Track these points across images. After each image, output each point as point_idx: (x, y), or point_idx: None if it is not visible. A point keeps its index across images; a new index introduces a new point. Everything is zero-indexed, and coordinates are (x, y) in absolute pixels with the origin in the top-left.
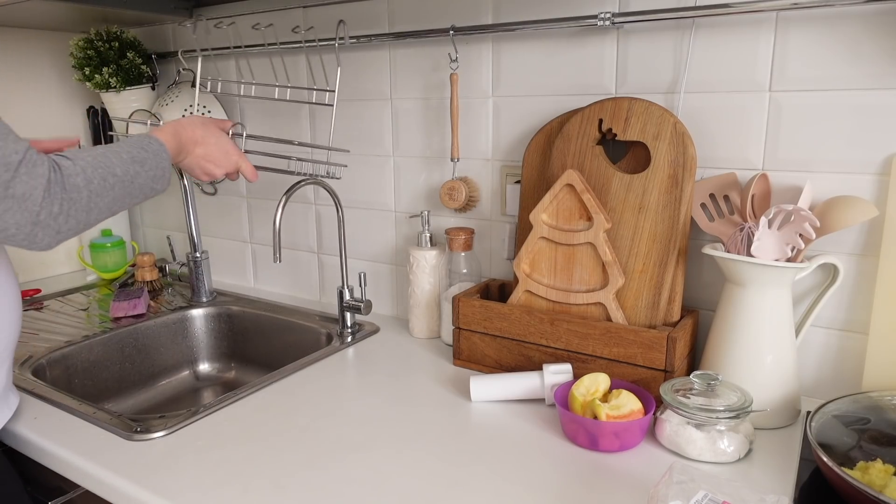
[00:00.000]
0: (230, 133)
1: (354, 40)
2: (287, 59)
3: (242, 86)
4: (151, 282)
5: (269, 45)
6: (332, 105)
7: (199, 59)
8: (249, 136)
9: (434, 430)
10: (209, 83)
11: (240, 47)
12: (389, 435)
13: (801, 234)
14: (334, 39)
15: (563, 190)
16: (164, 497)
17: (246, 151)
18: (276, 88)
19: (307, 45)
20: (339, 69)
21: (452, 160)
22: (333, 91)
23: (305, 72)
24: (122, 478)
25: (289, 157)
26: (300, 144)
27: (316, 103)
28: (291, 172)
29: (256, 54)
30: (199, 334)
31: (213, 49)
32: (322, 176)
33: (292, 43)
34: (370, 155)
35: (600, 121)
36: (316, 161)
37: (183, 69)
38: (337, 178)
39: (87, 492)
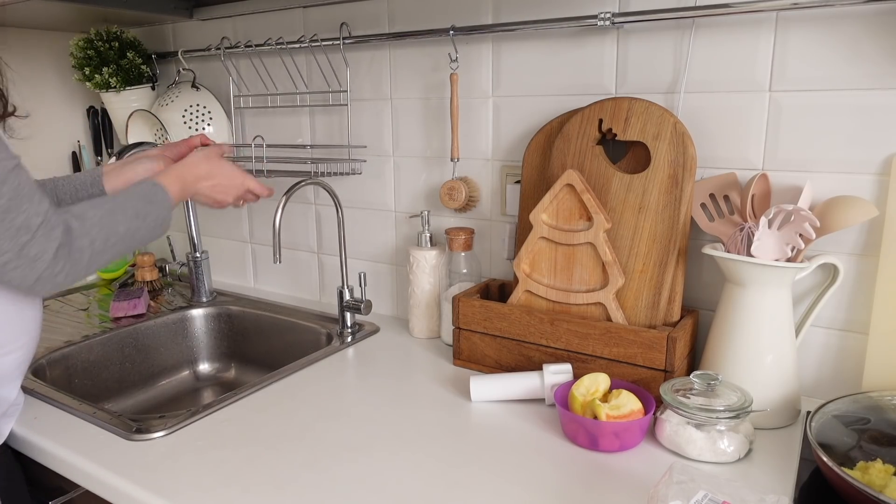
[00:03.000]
0: (233, 155)
1: (354, 40)
2: (290, 61)
3: (266, 85)
4: (151, 282)
5: (280, 44)
6: (346, 105)
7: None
8: (269, 146)
9: (434, 431)
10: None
11: (251, 46)
12: (389, 435)
13: (801, 234)
14: (337, 39)
15: (563, 190)
16: (164, 497)
17: (267, 166)
18: (274, 91)
19: (312, 44)
20: (347, 69)
21: (452, 160)
22: (346, 91)
23: (308, 72)
24: (121, 478)
25: (305, 159)
26: (316, 147)
27: (332, 104)
28: (308, 173)
29: (258, 54)
30: (199, 334)
31: (225, 48)
32: (346, 173)
33: (296, 43)
34: (370, 155)
35: (600, 121)
36: (337, 159)
37: (183, 69)
38: (358, 174)
39: (87, 492)
